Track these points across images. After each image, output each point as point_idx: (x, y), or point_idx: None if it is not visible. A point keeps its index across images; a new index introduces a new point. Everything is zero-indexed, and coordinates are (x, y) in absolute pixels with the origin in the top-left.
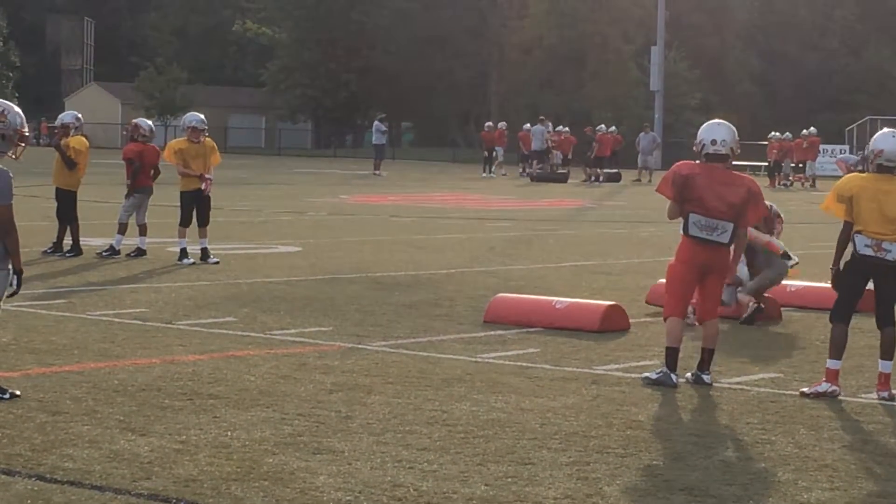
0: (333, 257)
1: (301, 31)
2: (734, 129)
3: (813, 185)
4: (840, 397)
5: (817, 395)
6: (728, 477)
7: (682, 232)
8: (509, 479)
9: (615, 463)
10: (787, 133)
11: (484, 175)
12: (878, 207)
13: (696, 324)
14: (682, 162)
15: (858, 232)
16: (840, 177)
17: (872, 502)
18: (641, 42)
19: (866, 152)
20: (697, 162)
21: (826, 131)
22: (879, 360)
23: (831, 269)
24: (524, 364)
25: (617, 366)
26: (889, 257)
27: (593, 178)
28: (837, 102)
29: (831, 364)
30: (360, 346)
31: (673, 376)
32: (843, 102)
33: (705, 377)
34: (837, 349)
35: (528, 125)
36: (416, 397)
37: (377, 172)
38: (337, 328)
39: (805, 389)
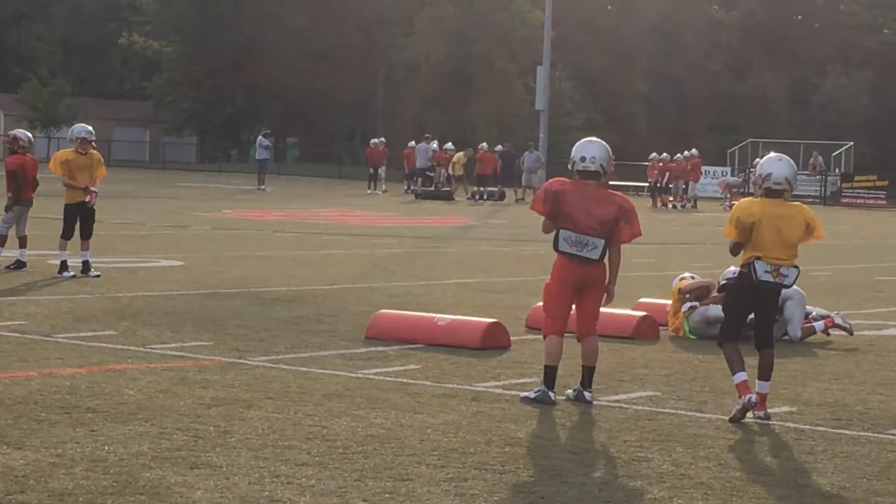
0: (215, 272)
1: (188, 46)
2: (607, 146)
3: (695, 206)
4: (715, 416)
5: (742, 412)
6: (605, 494)
7: (553, 248)
8: (387, 495)
9: (493, 480)
10: (665, 154)
11: (369, 192)
12: (777, 233)
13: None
14: (554, 179)
15: (758, 258)
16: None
17: None
18: (527, 61)
19: (753, 177)
20: (564, 179)
21: (708, 153)
22: (757, 381)
23: (722, 288)
24: (405, 380)
25: (497, 383)
26: (786, 282)
27: (477, 197)
28: (720, 125)
29: (738, 378)
30: (240, 360)
31: (551, 394)
32: (726, 125)
33: (587, 394)
34: (737, 362)
35: (413, 143)
36: (295, 412)
37: (261, 187)
38: (217, 343)
39: (732, 414)
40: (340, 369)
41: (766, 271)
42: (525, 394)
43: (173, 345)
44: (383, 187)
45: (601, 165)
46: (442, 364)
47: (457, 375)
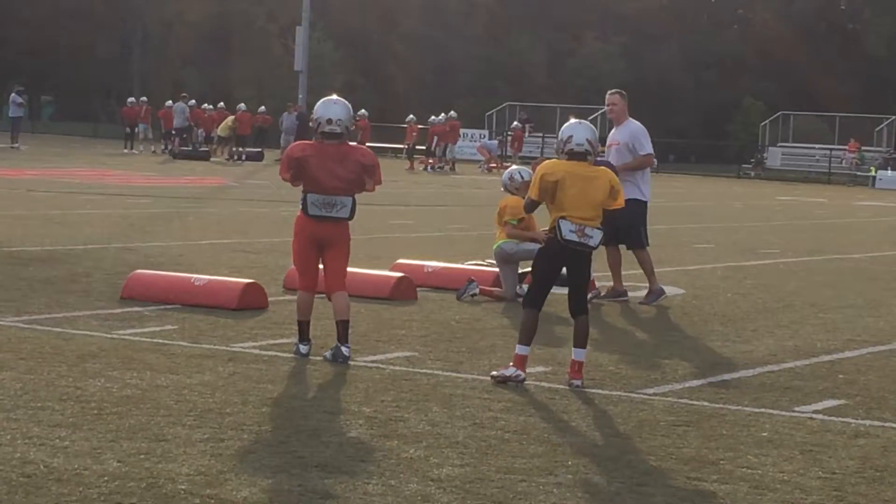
0: None
1: None
2: (349, 106)
3: (453, 169)
4: (471, 376)
5: (504, 380)
6: (361, 454)
7: (301, 211)
8: (142, 456)
9: (250, 440)
10: (434, 117)
11: (126, 151)
12: (581, 193)
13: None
14: (294, 143)
15: (563, 217)
16: (481, 160)
17: (500, 478)
18: (286, 21)
19: (556, 142)
20: (311, 142)
21: (467, 116)
22: (573, 349)
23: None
24: (161, 341)
25: (254, 343)
26: (591, 243)
27: (236, 158)
28: (479, 88)
29: (520, 350)
30: None
31: (302, 347)
32: (485, 88)
33: (344, 349)
34: (528, 335)
35: (171, 102)
36: (49, 373)
37: (14, 145)
38: None
39: (494, 373)
40: (95, 330)
41: (570, 230)
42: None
43: None
44: (141, 147)
45: (346, 127)
46: (199, 324)
47: (214, 336)
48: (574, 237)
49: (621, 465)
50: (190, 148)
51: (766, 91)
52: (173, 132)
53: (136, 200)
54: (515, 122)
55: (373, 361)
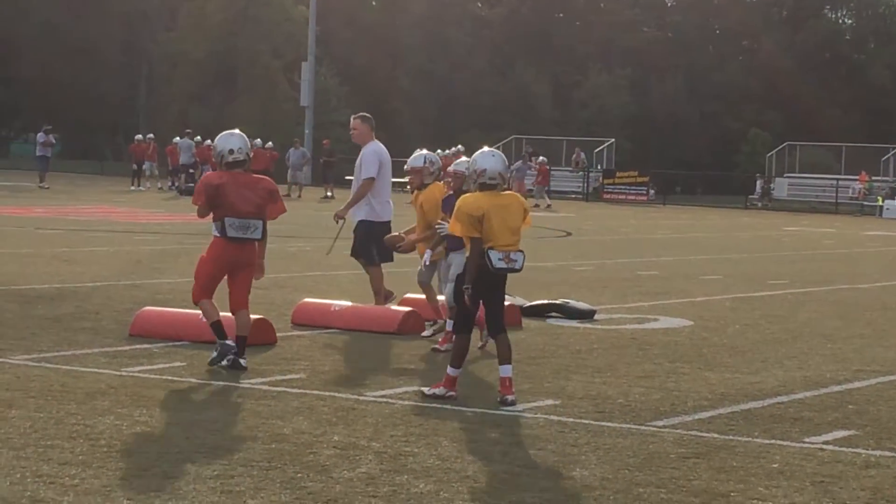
0: None
1: None
2: (245, 137)
3: None
4: (480, 410)
5: (434, 397)
6: (371, 489)
7: (217, 234)
8: (153, 493)
9: (259, 476)
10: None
11: (133, 188)
12: (502, 222)
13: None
14: (209, 173)
15: (490, 248)
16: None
17: None
18: (292, 57)
19: (468, 172)
20: (220, 171)
21: (473, 149)
22: (500, 367)
23: (465, 287)
24: (170, 377)
25: (263, 379)
26: (517, 266)
27: None
28: (484, 121)
29: (451, 371)
30: (0, 359)
31: (228, 342)
32: (490, 122)
33: (242, 361)
34: (460, 357)
35: (177, 139)
36: (58, 411)
37: (42, 185)
38: None
39: (425, 389)
40: (104, 367)
41: (499, 258)
42: (212, 356)
43: None
44: (147, 184)
45: (246, 154)
46: (207, 361)
47: (222, 372)
48: (503, 264)
49: (631, 499)
50: (194, 184)
51: (772, 121)
52: (179, 169)
53: (143, 237)
54: (542, 157)
55: (382, 396)
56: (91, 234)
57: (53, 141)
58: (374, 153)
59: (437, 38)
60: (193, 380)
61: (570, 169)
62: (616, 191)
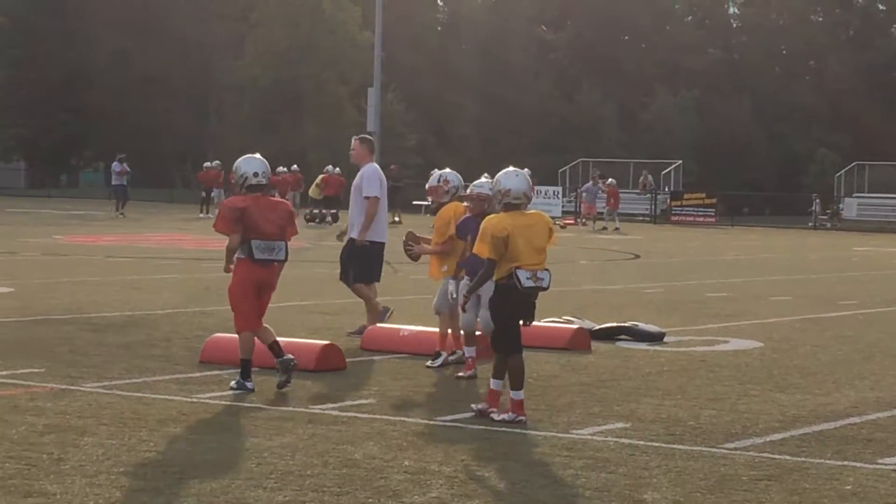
0: (46, 298)
1: (15, 70)
2: (265, 161)
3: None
4: (550, 433)
5: (503, 422)
6: None
7: (243, 256)
8: None
9: (330, 501)
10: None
11: (202, 215)
12: (528, 242)
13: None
14: (232, 197)
15: (518, 268)
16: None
17: None
18: (358, 82)
19: (492, 192)
20: (242, 195)
21: (540, 173)
22: (511, 391)
23: (465, 295)
24: (240, 404)
25: (333, 405)
26: (544, 284)
27: (318, 220)
28: (551, 144)
29: (515, 395)
30: (73, 387)
31: (248, 384)
32: (557, 144)
33: (248, 384)
34: (520, 379)
35: None
36: (130, 438)
37: (121, 213)
38: (49, 369)
39: (494, 415)
40: (175, 394)
41: (527, 278)
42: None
43: (4, 372)
44: (216, 211)
45: (267, 177)
46: (276, 385)
47: (292, 398)
48: (531, 283)
49: None
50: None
51: (839, 142)
52: None
53: (212, 264)
54: (611, 180)
55: (452, 420)
56: (160, 262)
57: (129, 169)
58: (375, 172)
59: (503, 63)
60: (264, 405)
61: (637, 191)
62: (684, 213)
